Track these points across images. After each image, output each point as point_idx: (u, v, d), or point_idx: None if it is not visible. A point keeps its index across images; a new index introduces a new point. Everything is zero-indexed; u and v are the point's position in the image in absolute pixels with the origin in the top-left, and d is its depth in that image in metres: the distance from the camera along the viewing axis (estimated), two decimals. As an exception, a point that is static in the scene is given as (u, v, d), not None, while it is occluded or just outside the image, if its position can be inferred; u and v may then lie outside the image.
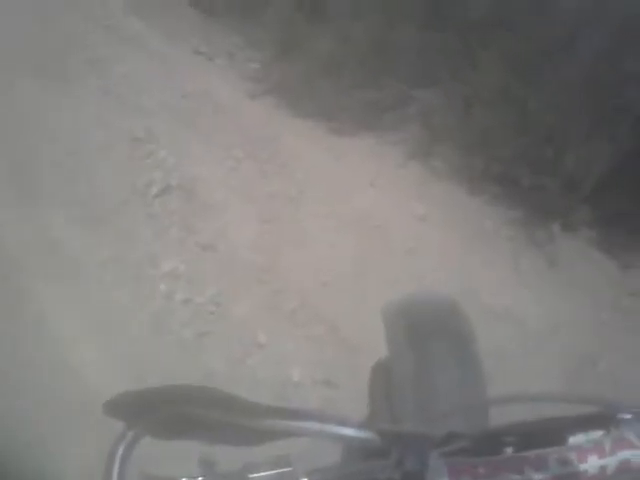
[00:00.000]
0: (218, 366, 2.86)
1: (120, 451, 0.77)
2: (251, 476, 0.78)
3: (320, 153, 4.00)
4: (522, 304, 3.20)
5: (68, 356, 2.88)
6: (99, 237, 3.44)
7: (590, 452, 0.84)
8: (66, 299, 3.15)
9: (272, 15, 4.66)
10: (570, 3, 3.60)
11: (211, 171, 3.90)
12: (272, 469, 0.79)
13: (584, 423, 0.91)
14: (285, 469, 0.79)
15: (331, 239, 3.48)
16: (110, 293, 3.19)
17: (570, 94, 3.46)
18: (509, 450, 0.89)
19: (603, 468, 0.84)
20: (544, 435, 0.89)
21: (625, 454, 0.84)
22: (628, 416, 0.90)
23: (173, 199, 3.73)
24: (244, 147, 4.03)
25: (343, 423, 0.83)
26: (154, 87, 4.47)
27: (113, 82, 4.51)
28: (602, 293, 3.28)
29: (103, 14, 5.27)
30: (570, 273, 3.38)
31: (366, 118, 4.11)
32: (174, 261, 3.35)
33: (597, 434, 0.89)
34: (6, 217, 3.56)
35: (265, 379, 2.83)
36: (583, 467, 0.83)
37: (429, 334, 1.51)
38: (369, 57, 4.16)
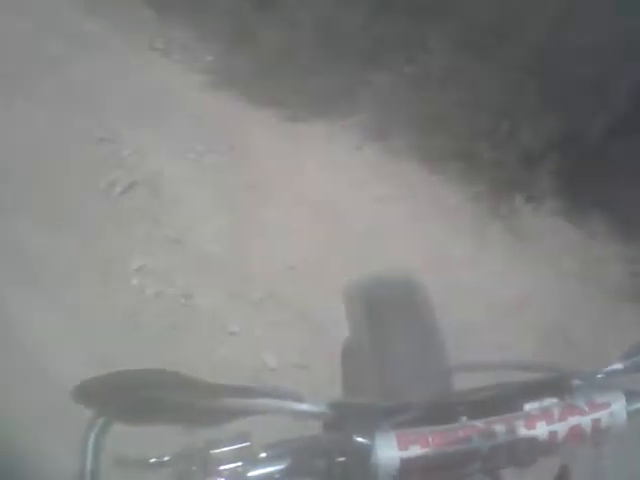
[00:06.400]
0: (193, 357, 2.88)
1: (92, 439, 0.80)
2: (212, 452, 0.82)
3: (278, 141, 3.99)
4: (489, 277, 3.23)
5: (40, 358, 2.90)
6: (66, 239, 3.45)
7: (538, 418, 0.86)
8: (35, 303, 3.17)
9: (221, 5, 4.65)
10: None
11: (174, 166, 3.90)
12: (232, 445, 0.84)
13: (538, 390, 0.93)
14: (244, 444, 0.84)
15: (294, 225, 3.50)
16: (81, 292, 3.21)
17: (520, 71, 3.50)
18: (463, 419, 0.91)
19: (553, 433, 0.86)
20: (498, 403, 0.92)
21: (575, 420, 0.87)
22: (580, 383, 0.93)
23: (138, 196, 3.73)
24: (204, 140, 4.02)
25: (297, 399, 0.87)
26: (112, 86, 4.44)
27: (70, 84, 4.48)
28: (568, 263, 3.31)
29: (58, 17, 5.23)
30: (536, 244, 3.40)
31: (321, 104, 4.09)
32: (143, 256, 3.37)
33: (551, 401, 0.92)
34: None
35: (241, 366, 2.87)
36: (532, 433, 0.86)
37: (385, 310, 1.56)
38: (320, 43, 4.15)
